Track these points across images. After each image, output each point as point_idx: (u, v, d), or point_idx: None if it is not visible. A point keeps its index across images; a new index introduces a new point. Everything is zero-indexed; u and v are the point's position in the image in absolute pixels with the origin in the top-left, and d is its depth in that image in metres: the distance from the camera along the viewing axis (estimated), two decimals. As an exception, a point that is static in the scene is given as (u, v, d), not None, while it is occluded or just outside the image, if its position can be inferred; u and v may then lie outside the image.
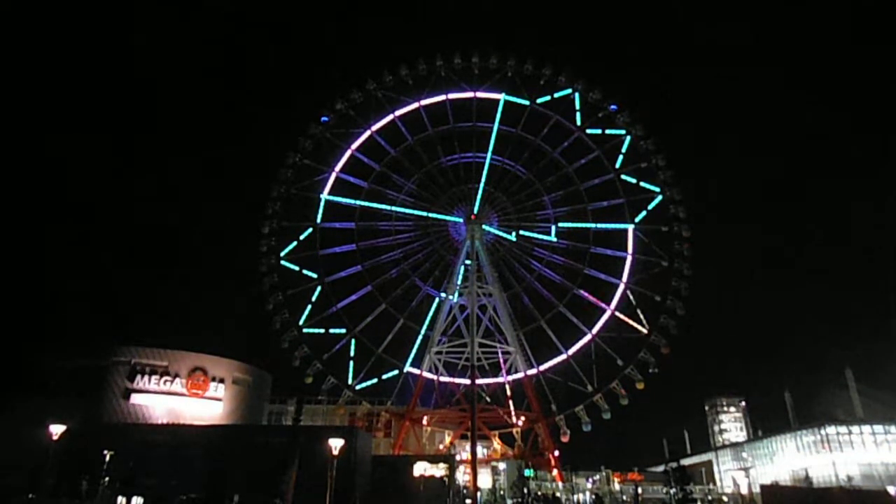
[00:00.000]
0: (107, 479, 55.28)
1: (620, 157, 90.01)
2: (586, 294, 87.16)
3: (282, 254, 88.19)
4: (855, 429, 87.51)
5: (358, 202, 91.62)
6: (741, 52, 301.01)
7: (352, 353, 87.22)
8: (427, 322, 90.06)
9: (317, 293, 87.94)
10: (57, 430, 49.09)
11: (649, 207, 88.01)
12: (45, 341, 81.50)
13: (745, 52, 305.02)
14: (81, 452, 55.40)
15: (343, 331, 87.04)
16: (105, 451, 55.00)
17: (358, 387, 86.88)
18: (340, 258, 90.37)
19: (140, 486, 54.80)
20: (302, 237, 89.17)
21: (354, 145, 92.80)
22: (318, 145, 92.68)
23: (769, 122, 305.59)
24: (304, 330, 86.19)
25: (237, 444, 62.30)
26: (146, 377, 72.69)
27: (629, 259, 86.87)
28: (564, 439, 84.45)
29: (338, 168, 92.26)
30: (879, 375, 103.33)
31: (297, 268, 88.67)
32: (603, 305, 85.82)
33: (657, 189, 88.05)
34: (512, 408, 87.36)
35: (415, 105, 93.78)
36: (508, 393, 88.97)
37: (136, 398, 71.93)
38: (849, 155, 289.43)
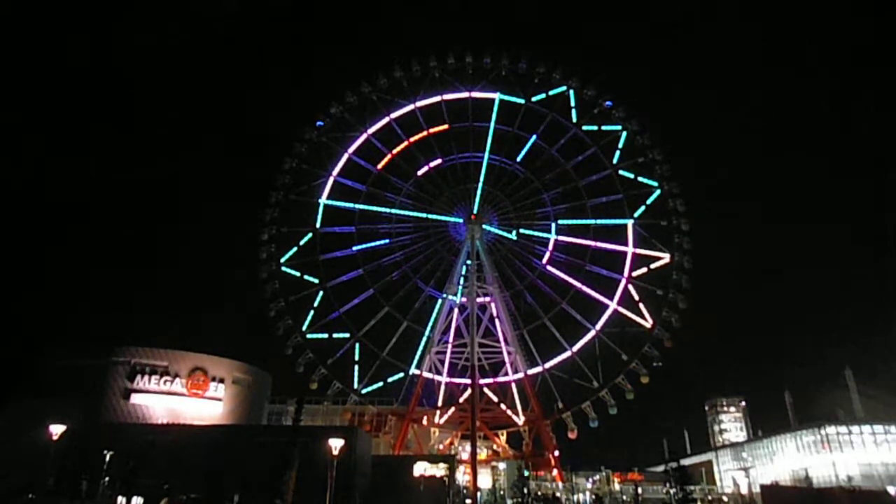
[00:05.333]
0: (107, 479, 55.34)
1: (617, 152, 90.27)
2: (588, 290, 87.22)
3: (282, 260, 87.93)
4: (855, 429, 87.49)
5: (357, 206, 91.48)
6: (739, 43, 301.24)
7: (356, 357, 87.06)
8: (430, 323, 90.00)
9: (319, 298, 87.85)
10: (57, 430, 49.21)
11: (648, 202, 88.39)
12: (45, 341, 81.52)
13: (745, 44, 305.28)
14: (81, 452, 55.38)
15: (347, 335, 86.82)
16: (105, 451, 55.13)
17: (364, 390, 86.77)
18: (341, 262, 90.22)
19: (140, 486, 54.74)
20: (302, 242, 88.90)
21: (351, 149, 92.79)
22: (314, 149, 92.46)
23: (769, 117, 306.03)
24: (308, 335, 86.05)
25: (237, 444, 62.20)
26: (146, 377, 72.64)
27: (630, 254, 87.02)
28: (572, 435, 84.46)
29: (335, 172, 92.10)
30: (879, 375, 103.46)
31: (297, 273, 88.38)
32: (605, 301, 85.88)
33: (655, 183, 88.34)
34: (518, 407, 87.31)
35: (410, 107, 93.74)
36: (513, 391, 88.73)
37: (136, 398, 71.88)
38: (849, 152, 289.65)
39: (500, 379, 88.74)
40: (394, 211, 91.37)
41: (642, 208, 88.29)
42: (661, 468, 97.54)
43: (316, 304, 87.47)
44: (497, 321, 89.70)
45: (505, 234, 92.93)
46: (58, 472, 53.06)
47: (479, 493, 78.13)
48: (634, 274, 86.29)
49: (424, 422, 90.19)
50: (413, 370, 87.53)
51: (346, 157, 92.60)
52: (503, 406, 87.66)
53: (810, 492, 73.43)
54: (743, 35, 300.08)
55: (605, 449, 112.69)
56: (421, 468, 66.72)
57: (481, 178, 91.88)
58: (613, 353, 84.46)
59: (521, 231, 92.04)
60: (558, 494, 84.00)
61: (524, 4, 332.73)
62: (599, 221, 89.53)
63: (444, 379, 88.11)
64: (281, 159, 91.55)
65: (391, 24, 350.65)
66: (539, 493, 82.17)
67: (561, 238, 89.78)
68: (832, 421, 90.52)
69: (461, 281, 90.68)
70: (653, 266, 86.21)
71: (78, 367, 70.40)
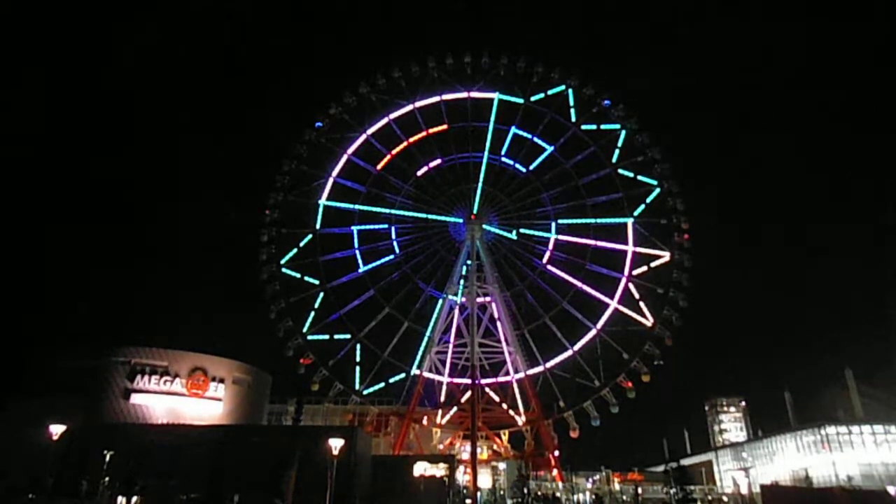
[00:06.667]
0: (107, 479, 55.34)
1: (617, 151, 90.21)
2: (589, 289, 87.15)
3: (282, 261, 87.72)
4: (855, 429, 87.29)
5: (357, 206, 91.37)
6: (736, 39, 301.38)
7: (357, 358, 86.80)
8: (431, 324, 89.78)
9: (319, 299, 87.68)
10: (57, 430, 49.10)
11: (647, 200, 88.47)
12: (45, 341, 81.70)
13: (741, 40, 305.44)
14: (81, 452, 55.42)
15: (348, 336, 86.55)
16: (105, 451, 55.13)
17: (365, 391, 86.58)
18: (341, 263, 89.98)
19: (140, 486, 54.71)
20: (302, 244, 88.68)
21: (350, 149, 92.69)
22: (313, 151, 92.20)
23: (769, 116, 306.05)
24: (309, 337, 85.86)
25: (237, 444, 62.12)
26: (146, 377, 72.74)
27: (630, 252, 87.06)
28: (574, 435, 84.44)
29: (335, 173, 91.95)
30: (879, 375, 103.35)
31: (298, 275, 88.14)
32: (606, 300, 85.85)
33: (654, 182, 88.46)
34: (520, 406, 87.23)
35: (409, 107, 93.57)
36: (515, 391, 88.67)
37: (136, 398, 71.99)
38: (850, 152, 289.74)
39: (501, 379, 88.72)
40: (394, 211, 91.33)
41: (642, 207, 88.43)
42: (661, 468, 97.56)
43: (316, 306, 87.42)
44: (497, 321, 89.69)
45: (505, 233, 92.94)
46: (58, 472, 53.02)
47: (479, 493, 78.13)
48: (635, 272, 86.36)
49: (425, 422, 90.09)
50: (414, 370, 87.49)
51: (345, 157, 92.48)
52: (504, 406, 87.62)
53: (810, 492, 73.34)
54: (743, 35, 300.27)
55: (605, 449, 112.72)
56: (421, 468, 66.61)
57: (481, 178, 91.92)
58: (615, 351, 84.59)
59: (521, 231, 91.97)
60: (558, 494, 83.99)
61: (524, 4, 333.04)
62: (599, 220, 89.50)
63: (444, 379, 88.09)
64: (280, 160, 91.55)
65: (391, 25, 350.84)
66: (539, 493, 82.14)
67: (561, 237, 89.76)
68: (832, 421, 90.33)
69: (461, 281, 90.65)
70: (653, 264, 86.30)
71: (78, 367, 70.59)
